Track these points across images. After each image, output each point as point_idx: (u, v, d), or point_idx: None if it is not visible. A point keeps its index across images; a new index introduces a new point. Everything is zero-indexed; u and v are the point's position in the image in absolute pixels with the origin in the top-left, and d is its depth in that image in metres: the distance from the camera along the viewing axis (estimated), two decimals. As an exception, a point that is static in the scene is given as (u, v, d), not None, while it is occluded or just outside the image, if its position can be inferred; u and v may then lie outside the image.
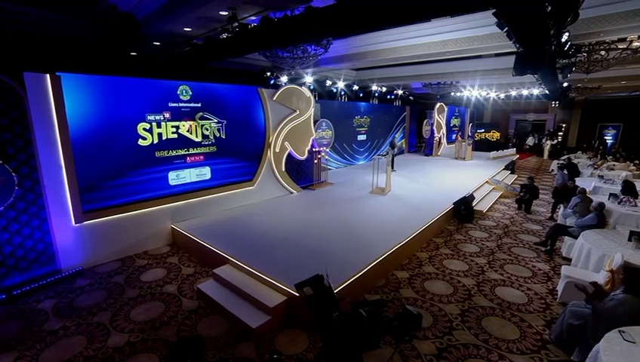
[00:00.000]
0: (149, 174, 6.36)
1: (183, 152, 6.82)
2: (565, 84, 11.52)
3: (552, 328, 3.76)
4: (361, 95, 14.70)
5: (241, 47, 4.99)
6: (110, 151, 5.76)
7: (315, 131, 9.49)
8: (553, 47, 5.11)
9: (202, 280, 5.12)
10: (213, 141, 7.30)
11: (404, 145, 17.19)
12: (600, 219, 5.57)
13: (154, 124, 6.28)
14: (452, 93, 16.96)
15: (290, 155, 8.82)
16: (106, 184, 5.78)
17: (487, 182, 10.98)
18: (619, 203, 6.92)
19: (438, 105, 16.64)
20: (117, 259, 5.88)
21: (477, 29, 6.53)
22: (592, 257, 4.75)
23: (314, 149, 9.37)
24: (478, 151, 18.29)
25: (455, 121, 19.19)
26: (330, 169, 12.25)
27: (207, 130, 7.15)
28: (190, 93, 6.73)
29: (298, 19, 3.70)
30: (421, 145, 17.86)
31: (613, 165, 12.67)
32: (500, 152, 17.24)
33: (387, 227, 6.46)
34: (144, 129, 6.15)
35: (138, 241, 6.25)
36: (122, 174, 5.97)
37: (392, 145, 12.66)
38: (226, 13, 4.98)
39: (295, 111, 8.70)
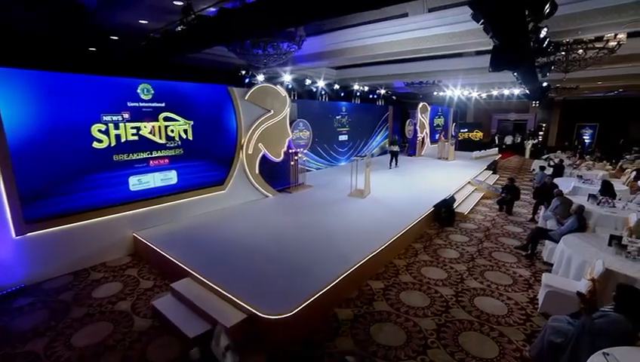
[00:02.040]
0: (106, 179, 5.84)
1: (145, 155, 6.32)
2: (545, 84, 11.48)
3: (533, 344, 3.49)
4: (343, 95, 14.38)
5: (198, 40, 4.57)
6: (59, 155, 5.23)
7: (292, 132, 9.09)
8: (532, 43, 4.87)
9: (160, 295, 4.66)
10: (180, 143, 6.82)
11: (387, 146, 16.96)
12: (580, 222, 5.37)
13: (111, 125, 5.77)
14: (435, 93, 16.83)
15: (264, 157, 8.39)
16: (55, 191, 5.24)
17: (469, 182, 10.81)
18: (598, 204, 6.79)
19: (421, 104, 16.49)
20: (69, 273, 5.35)
21: (455, 25, 6.27)
22: (572, 264, 4.52)
23: (290, 151, 8.98)
24: (462, 151, 18.25)
25: (438, 121, 19.11)
26: (310, 170, 11.90)
27: (172, 131, 6.66)
28: (152, 92, 6.24)
29: (255, 6, 3.33)
30: (404, 145, 17.68)
31: (592, 164, 12.75)
32: (483, 152, 17.23)
33: (363, 233, 6.13)
34: (99, 130, 5.63)
35: (95, 252, 5.72)
36: (74, 180, 5.44)
37: (393, 143, 13.11)
38: (181, 3, 4.54)
39: (269, 111, 8.28)
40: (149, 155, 6.39)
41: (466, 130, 21.20)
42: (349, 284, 4.73)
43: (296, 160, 9.17)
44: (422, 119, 16.51)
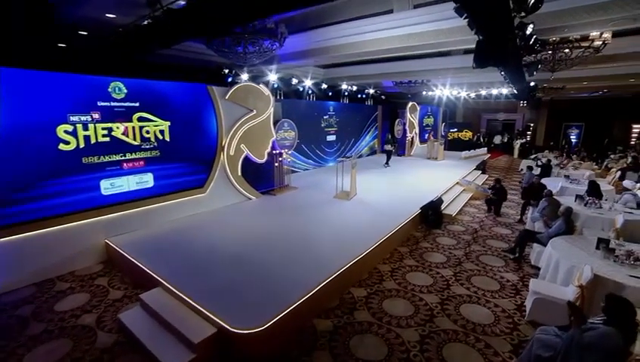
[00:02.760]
0: (74, 183, 5.49)
1: (118, 158, 5.99)
2: (532, 84, 11.43)
3: (519, 357, 3.29)
4: (331, 94, 14.13)
5: (166, 35, 4.27)
6: (19, 158, 4.87)
7: (276, 132, 8.82)
8: (518, 40, 4.71)
9: (129, 307, 4.35)
10: (156, 145, 6.50)
11: (376, 146, 16.80)
12: (568, 225, 5.24)
13: (79, 125, 5.43)
14: (424, 93, 16.71)
15: (247, 159, 8.11)
16: (14, 197, 4.89)
17: (457, 183, 10.68)
18: (585, 205, 6.69)
19: (411, 104, 16.36)
20: (32, 284, 4.99)
21: (441, 22, 6.08)
22: (560, 269, 4.36)
23: (274, 151, 8.70)
24: (452, 150, 18.19)
25: (428, 121, 19.00)
26: (297, 171, 11.65)
27: (147, 132, 6.34)
28: (125, 90, 5.91)
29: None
30: (394, 145, 17.52)
31: (579, 163, 12.76)
32: (472, 152, 17.19)
33: (347, 237, 5.90)
34: (66, 131, 5.28)
35: (63, 261, 5.37)
36: (38, 184, 5.09)
37: (387, 141, 13.49)
38: (146, -6, 4.26)
39: (252, 110, 8.00)
40: (123, 158, 6.06)
41: (456, 129, 21.18)
42: (329, 293, 4.49)
43: (281, 161, 8.90)
44: (411, 119, 16.38)
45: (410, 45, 6.98)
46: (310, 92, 13.16)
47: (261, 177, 8.68)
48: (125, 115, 5.99)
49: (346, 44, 7.68)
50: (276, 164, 8.77)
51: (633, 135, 19.83)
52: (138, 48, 5.26)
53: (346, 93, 15.07)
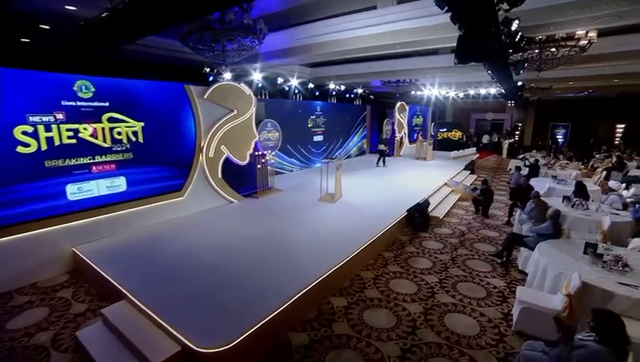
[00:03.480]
0: (35, 189, 5.13)
1: (86, 161, 5.63)
2: (519, 83, 11.35)
3: (505, 374, 3.08)
4: (318, 94, 13.86)
5: (127, 27, 3.95)
6: (-29, 162, 4.49)
7: (259, 133, 8.53)
8: (504, 36, 4.52)
9: (90, 323, 4.02)
10: (128, 147, 6.15)
11: (365, 146, 16.61)
12: (556, 228, 5.07)
13: (40, 126, 5.06)
14: (412, 92, 16.57)
15: (228, 160, 7.79)
16: (-33, 204, 4.50)
17: (445, 184, 10.53)
18: (572, 206, 6.56)
19: (399, 104, 16.20)
20: (-13, 298, 4.61)
21: (426, 19, 5.88)
22: (548, 275, 4.17)
23: (257, 153, 8.40)
24: (441, 150, 18.11)
25: (417, 121, 18.90)
26: (283, 173, 11.37)
27: (119, 133, 5.99)
28: (93, 89, 5.55)
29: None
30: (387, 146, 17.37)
31: (566, 163, 12.75)
32: (461, 152, 17.12)
33: (330, 242, 5.65)
34: (24, 133, 4.91)
35: (23, 272, 5.00)
36: (-7, 190, 4.71)
37: (381, 141, 13.68)
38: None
39: (232, 110, 7.69)
40: (92, 161, 5.70)
41: (445, 129, 21.16)
42: (306, 303, 4.22)
43: (264, 163, 8.60)
44: (400, 119, 16.23)
45: (395, 43, 6.77)
46: (296, 91, 12.85)
47: (244, 179, 8.38)
48: (94, 116, 5.64)
49: (329, 41, 7.43)
50: (259, 166, 8.47)
51: (617, 135, 20.06)
52: (102, 43, 4.91)
53: (334, 93, 14.82)
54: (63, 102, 5.25)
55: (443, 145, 19.66)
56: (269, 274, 4.57)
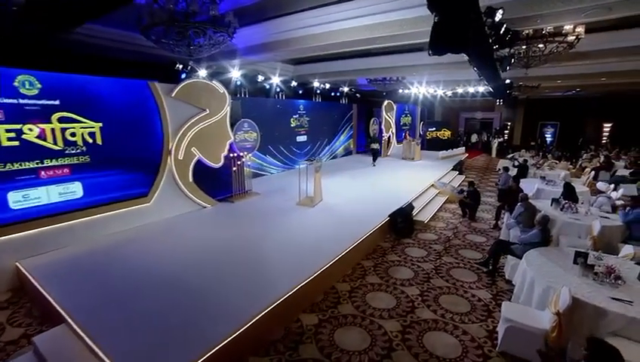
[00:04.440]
0: (-29, 197, 4.60)
1: (32, 165, 5.12)
2: (507, 81, 11.14)
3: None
4: (301, 92, 13.44)
5: (50, 14, 3.47)
6: None
7: (235, 133, 8.08)
8: (487, 28, 4.18)
9: (21, 352, 3.54)
10: (85, 149, 5.65)
11: (351, 146, 16.25)
12: (544, 235, 4.76)
13: (-26, 127, 4.53)
14: (400, 91, 16.27)
15: (201, 163, 7.33)
16: None
17: (432, 185, 10.23)
18: (561, 209, 6.29)
19: (386, 102, 15.89)
20: None
21: (407, 10, 5.54)
22: (535, 289, 3.85)
23: (233, 155, 7.95)
24: (430, 150, 17.89)
25: (405, 120, 18.63)
26: (264, 175, 10.93)
27: (72, 135, 5.49)
28: (38, 85, 5.04)
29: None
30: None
31: (555, 163, 12.60)
32: (450, 151, 16.91)
33: (305, 251, 5.26)
34: (-46, 135, 4.38)
35: (-44, 291, 4.47)
36: None
37: (374, 140, 13.90)
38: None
39: (204, 110, 7.23)
40: (39, 165, 5.19)
41: (434, 128, 20.94)
42: (273, 322, 3.83)
43: (240, 165, 8.15)
44: (387, 118, 15.92)
45: (374, 37, 6.40)
46: (278, 90, 12.41)
47: (218, 183, 7.92)
48: (41, 115, 5.13)
49: (306, 36, 7.02)
50: (234, 169, 8.02)
51: (604, 134, 20.15)
52: (35, 32, 4.41)
53: (318, 92, 14.42)
54: (1, 100, 4.73)
55: (432, 145, 19.43)
56: (234, 289, 4.17)
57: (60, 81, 5.28)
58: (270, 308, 3.81)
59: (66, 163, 5.45)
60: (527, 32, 6.42)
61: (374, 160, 13.57)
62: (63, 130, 5.35)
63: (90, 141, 5.70)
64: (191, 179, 7.20)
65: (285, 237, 5.90)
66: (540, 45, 6.94)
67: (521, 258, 4.59)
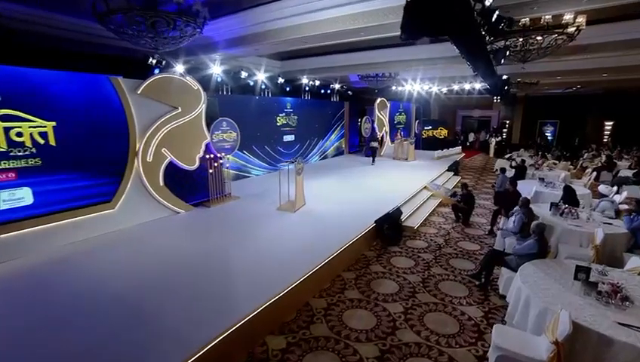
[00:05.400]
0: None
1: (-31, 169, 4.65)
2: (504, 77, 10.75)
3: None
4: (289, 89, 12.99)
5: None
6: None
7: (212, 133, 7.63)
8: (476, 14, 3.76)
9: None
10: (34, 151, 5.19)
11: (343, 146, 15.82)
12: (541, 245, 4.35)
13: None
14: (393, 87, 15.86)
15: (173, 165, 6.88)
16: None
17: (425, 187, 9.82)
18: (560, 214, 5.88)
19: (379, 100, 15.47)
20: None
21: (389, -1, 5.12)
22: (531, 310, 3.43)
23: (209, 156, 7.50)
24: (427, 150, 17.49)
25: (400, 118, 18.17)
26: (248, 176, 10.49)
27: (19, 135, 5.02)
28: (-24, 80, 4.57)
29: None
30: (362, 146, 16.65)
31: (554, 163, 12.23)
32: (445, 151, 16.51)
33: (280, 263, 4.85)
34: None
35: None
36: None
37: (374, 139, 13.99)
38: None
39: (176, 108, 6.78)
40: (-22, 169, 4.72)
41: (430, 127, 20.55)
42: (235, 346, 3.40)
43: (217, 167, 7.70)
44: (380, 116, 15.50)
45: (360, 27, 5.97)
46: (263, 87, 11.95)
47: (194, 186, 7.47)
48: (-21, 113, 4.66)
49: (288, 27, 6.59)
50: (210, 171, 7.56)
51: (606, 132, 19.82)
52: None
53: (307, 89, 13.98)
54: None
55: (428, 144, 19.04)
56: (190, 310, 3.75)
57: (1, 75, 4.81)
58: (230, 331, 3.39)
59: (11, 166, 4.98)
60: (523, 21, 6.01)
61: (373, 159, 13.70)
62: (7, 129, 4.88)
63: (42, 142, 5.23)
64: (162, 183, 6.75)
65: (259, 246, 5.46)
66: (539, 38, 6.54)
67: (516, 271, 4.18)
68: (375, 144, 14.00)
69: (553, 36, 6.38)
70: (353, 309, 4.34)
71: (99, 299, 3.96)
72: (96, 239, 5.70)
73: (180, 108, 6.84)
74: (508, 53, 6.06)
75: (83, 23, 6.06)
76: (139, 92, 6.19)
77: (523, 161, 11.09)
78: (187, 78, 7.03)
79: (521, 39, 6.46)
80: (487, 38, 5.31)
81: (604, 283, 3.38)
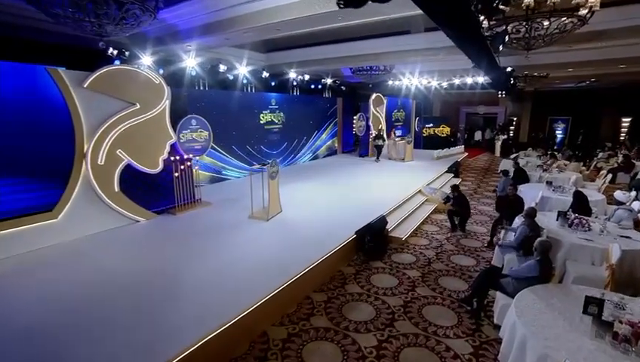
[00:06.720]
0: None
1: None
2: (509, 69, 10.08)
3: None
4: (274, 84, 12.38)
5: None
6: None
7: (179, 132, 7.07)
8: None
9: None
10: (-46, 153, 4.63)
11: (336, 145, 15.20)
12: (543, 268, 3.72)
13: None
14: (389, 82, 15.22)
15: (132, 168, 6.32)
16: None
17: (419, 191, 9.19)
18: (569, 225, 5.23)
19: (375, 95, 14.84)
20: None
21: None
22: (528, 353, 2.81)
23: (175, 158, 6.93)
24: (428, 149, 16.84)
25: (398, 115, 17.50)
26: (227, 179, 9.92)
27: None
28: None
29: None
30: (357, 146, 16.04)
31: (565, 164, 11.51)
32: (446, 151, 15.85)
33: (239, 282, 4.28)
34: None
35: None
36: None
37: (378, 137, 13.82)
38: None
39: (133, 104, 6.22)
40: None
41: (432, 124, 19.88)
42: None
43: (184, 169, 7.12)
44: (376, 113, 14.86)
45: (336, 10, 5.36)
46: (245, 81, 11.37)
47: (158, 192, 6.90)
48: None
49: (255, 12, 6.01)
50: (176, 174, 6.99)
51: (622, 130, 19.01)
52: None
53: (295, 84, 13.38)
54: None
55: (430, 143, 18.39)
56: (122, 340, 3.17)
57: None
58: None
59: None
60: (527, 1, 5.36)
61: (378, 157, 13.90)
62: None
63: (-35, 143, 4.69)
64: (117, 189, 6.18)
65: (219, 261, 4.88)
66: (545, 23, 5.89)
67: (513, 296, 3.56)
68: (380, 142, 13.87)
69: (562, 19, 5.74)
70: (318, 341, 3.74)
71: (25, 324, 3.41)
72: (30, 255, 5.13)
73: (138, 104, 6.27)
74: (507, 38, 5.40)
75: (17, 3, 5.46)
76: (85, 86, 5.62)
77: (517, 165, 10.34)
78: (146, 70, 6.47)
79: (524, 24, 5.84)
80: (482, 20, 4.71)
81: (621, 322, 2.75)
